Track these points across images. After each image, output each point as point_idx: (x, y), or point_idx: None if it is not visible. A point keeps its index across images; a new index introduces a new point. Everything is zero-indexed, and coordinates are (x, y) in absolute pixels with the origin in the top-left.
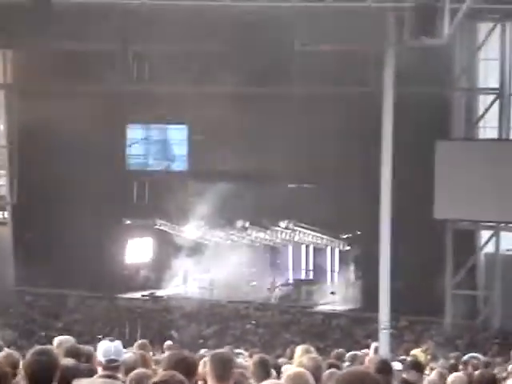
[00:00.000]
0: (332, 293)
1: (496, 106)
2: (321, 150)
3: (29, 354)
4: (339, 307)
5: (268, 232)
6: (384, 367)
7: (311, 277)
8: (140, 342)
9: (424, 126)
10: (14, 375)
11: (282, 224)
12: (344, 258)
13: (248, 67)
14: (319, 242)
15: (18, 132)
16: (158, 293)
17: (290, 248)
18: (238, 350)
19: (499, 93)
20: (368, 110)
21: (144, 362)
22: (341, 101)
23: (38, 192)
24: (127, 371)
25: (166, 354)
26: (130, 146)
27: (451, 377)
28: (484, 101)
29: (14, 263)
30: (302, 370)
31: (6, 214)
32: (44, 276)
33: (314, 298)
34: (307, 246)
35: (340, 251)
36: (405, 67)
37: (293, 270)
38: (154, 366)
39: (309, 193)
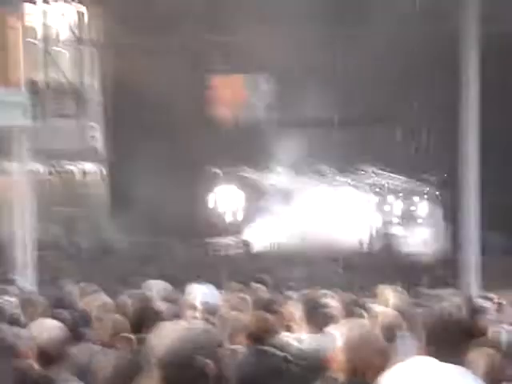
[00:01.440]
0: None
1: None
2: (402, 90)
3: (125, 299)
4: (428, 251)
5: (355, 177)
6: (473, 309)
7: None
8: (234, 284)
9: (508, 66)
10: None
11: (369, 169)
12: (432, 203)
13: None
14: (406, 186)
15: (110, 88)
16: (248, 239)
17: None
18: (326, 291)
19: None
20: (449, 48)
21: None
22: (420, 39)
23: (131, 146)
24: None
25: (252, 297)
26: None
27: None
28: None
29: (110, 215)
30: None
31: (100, 168)
32: (137, 226)
33: (403, 244)
34: (395, 191)
35: (428, 195)
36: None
37: (382, 215)
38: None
39: (391, 135)
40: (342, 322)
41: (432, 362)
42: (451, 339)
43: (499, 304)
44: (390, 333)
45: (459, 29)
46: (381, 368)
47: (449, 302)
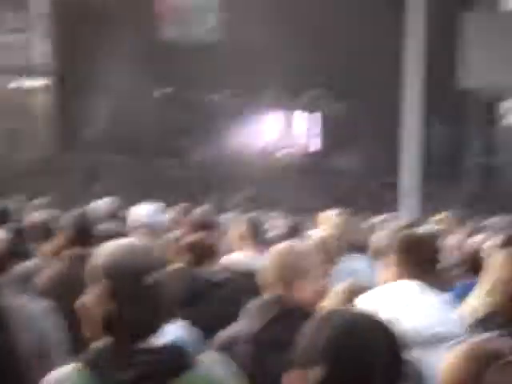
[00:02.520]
0: None
1: None
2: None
3: (67, 216)
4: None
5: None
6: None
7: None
8: (183, 205)
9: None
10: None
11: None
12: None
13: None
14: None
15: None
16: (195, 158)
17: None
18: (271, 213)
19: None
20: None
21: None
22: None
23: (79, 60)
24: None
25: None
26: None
27: (477, 237)
28: None
29: (56, 130)
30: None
31: (47, 81)
32: (83, 141)
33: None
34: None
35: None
36: None
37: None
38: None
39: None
40: (277, 245)
41: (418, 286)
42: (425, 260)
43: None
44: (327, 255)
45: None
46: (312, 289)
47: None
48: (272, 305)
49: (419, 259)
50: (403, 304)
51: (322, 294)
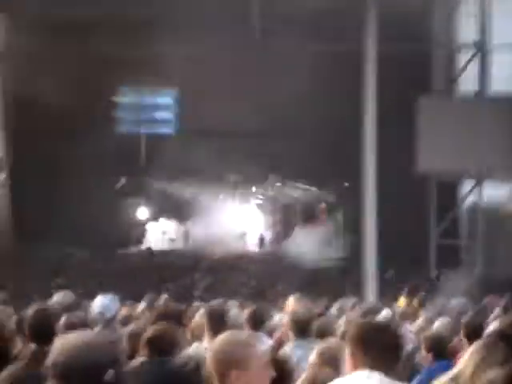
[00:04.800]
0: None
1: (475, 60)
2: (305, 106)
3: (29, 311)
4: (328, 259)
5: (258, 187)
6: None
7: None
8: (147, 296)
9: (405, 83)
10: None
11: (272, 179)
12: (331, 211)
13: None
14: (308, 195)
15: (11, 96)
16: (154, 248)
17: (279, 202)
18: (231, 302)
19: (478, 47)
20: (349, 66)
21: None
22: (321, 59)
23: (34, 154)
24: (124, 325)
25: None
26: (120, 110)
27: (437, 322)
28: (464, 57)
29: (12, 223)
30: None
31: (2, 175)
32: (42, 235)
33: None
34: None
35: (327, 203)
36: (385, 24)
37: (282, 224)
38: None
39: (295, 148)
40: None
41: (377, 377)
42: (385, 351)
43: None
44: (280, 343)
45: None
46: (257, 379)
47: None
48: None
49: (378, 349)
50: None
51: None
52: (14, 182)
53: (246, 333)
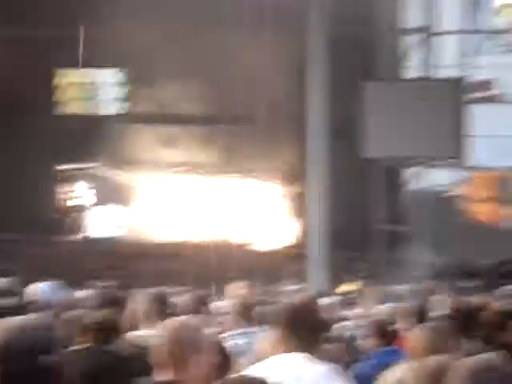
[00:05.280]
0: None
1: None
2: (253, 93)
3: None
4: (273, 245)
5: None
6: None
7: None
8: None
9: (350, 67)
10: None
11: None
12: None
13: None
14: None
15: None
16: (92, 235)
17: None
18: (172, 289)
19: (424, 32)
20: (294, 51)
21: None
22: (268, 44)
23: None
24: (61, 312)
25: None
26: (59, 92)
27: (376, 308)
28: (409, 40)
29: None
30: None
31: None
32: None
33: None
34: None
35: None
36: (330, 8)
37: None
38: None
39: (241, 135)
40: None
41: (299, 358)
42: (308, 331)
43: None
44: (224, 328)
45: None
46: (207, 363)
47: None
48: None
49: (301, 332)
50: (292, 375)
51: (216, 369)
52: None
53: (194, 318)
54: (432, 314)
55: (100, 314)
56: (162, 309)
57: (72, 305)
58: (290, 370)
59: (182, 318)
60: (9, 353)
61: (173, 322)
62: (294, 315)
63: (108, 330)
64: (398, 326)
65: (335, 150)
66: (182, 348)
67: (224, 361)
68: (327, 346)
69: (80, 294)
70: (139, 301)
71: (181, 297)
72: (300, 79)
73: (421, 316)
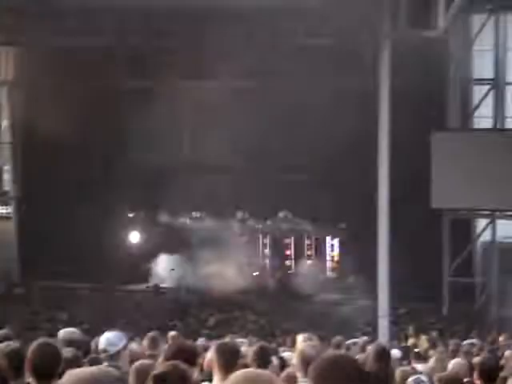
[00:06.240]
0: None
1: (490, 96)
2: (316, 142)
3: (32, 346)
4: (339, 296)
5: (267, 223)
6: (382, 354)
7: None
8: (150, 334)
9: (420, 118)
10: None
11: (281, 214)
12: (343, 248)
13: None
14: (318, 231)
15: (21, 128)
16: (161, 284)
17: (291, 238)
18: (240, 339)
19: (493, 83)
20: (363, 102)
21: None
22: (335, 93)
23: (41, 186)
24: (132, 361)
25: (167, 344)
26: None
27: (451, 363)
28: (479, 92)
29: (18, 257)
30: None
31: (10, 209)
32: (48, 269)
33: (313, 287)
34: (307, 237)
35: (339, 241)
36: (400, 59)
37: (294, 259)
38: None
39: (303, 184)
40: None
41: None
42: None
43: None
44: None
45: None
46: None
47: (360, 349)
48: None
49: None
50: None
51: None
52: (21, 215)
53: (261, 371)
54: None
55: (170, 365)
56: (233, 360)
57: (142, 355)
58: None
59: (249, 370)
60: None
61: (239, 375)
62: (330, 368)
63: (177, 382)
64: (475, 380)
65: (404, 201)
66: None
67: None
68: None
69: (148, 343)
70: (211, 352)
71: (249, 347)
72: (368, 130)
73: (491, 372)
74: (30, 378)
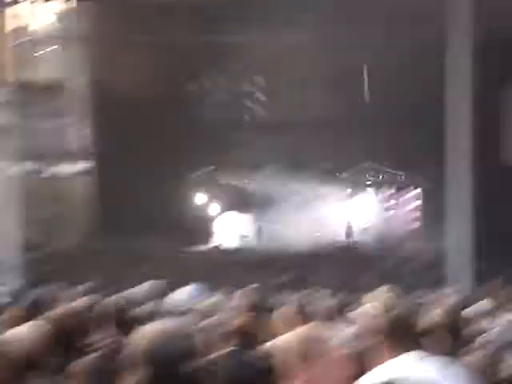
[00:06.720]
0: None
1: None
2: (396, 91)
3: (108, 301)
4: (415, 251)
5: (349, 176)
6: (456, 306)
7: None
8: (221, 291)
9: (494, 67)
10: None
11: (362, 165)
12: (427, 202)
13: None
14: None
15: (97, 84)
16: (227, 245)
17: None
18: (315, 294)
19: None
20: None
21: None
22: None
23: (117, 143)
24: (203, 318)
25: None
26: (203, 98)
27: None
28: None
29: (92, 214)
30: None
31: (85, 166)
32: (121, 226)
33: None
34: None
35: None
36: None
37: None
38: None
39: (383, 133)
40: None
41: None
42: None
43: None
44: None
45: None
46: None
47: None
48: None
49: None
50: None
51: (346, 380)
52: (96, 172)
53: (323, 327)
54: None
55: (244, 319)
56: (302, 316)
57: (212, 311)
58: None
59: (310, 326)
60: (154, 358)
61: (299, 331)
62: (400, 321)
63: (251, 335)
64: None
65: (477, 153)
66: (305, 358)
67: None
68: (470, 358)
69: (218, 299)
70: (282, 307)
71: (322, 302)
72: (439, 80)
73: None
74: (107, 331)
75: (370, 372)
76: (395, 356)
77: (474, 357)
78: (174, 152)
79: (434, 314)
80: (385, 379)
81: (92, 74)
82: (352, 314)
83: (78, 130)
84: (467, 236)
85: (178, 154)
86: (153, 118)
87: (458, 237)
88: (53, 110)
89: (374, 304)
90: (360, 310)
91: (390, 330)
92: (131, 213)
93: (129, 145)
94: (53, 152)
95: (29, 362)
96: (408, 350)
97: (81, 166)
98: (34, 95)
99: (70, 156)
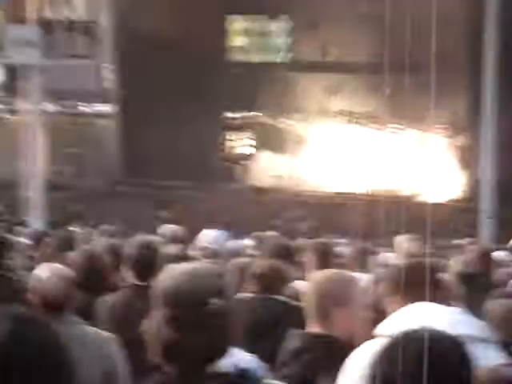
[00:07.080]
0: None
1: None
2: (421, 40)
3: (132, 242)
4: (441, 198)
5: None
6: (485, 254)
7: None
8: (254, 235)
9: None
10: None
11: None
12: (445, 149)
13: None
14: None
15: (122, 25)
16: (257, 184)
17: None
18: (339, 240)
19: None
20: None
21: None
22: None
23: (143, 85)
24: (233, 258)
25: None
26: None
27: None
28: None
29: (120, 155)
30: None
31: (112, 107)
32: (149, 167)
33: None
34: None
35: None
36: None
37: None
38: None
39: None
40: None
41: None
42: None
43: None
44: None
45: None
46: (352, 318)
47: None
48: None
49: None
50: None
51: (362, 325)
52: (123, 113)
53: (346, 271)
54: None
55: (268, 263)
56: (326, 260)
57: (240, 253)
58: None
59: (333, 270)
60: (178, 297)
61: (321, 274)
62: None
63: (276, 280)
64: None
65: (507, 100)
66: (325, 301)
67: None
68: (496, 303)
69: (247, 242)
70: (307, 252)
71: (347, 248)
72: (472, 29)
73: None
74: (128, 273)
75: (385, 320)
76: (411, 304)
77: (498, 304)
78: (201, 94)
79: (456, 261)
80: (399, 329)
81: (115, 15)
82: (373, 261)
83: (103, 72)
84: (495, 185)
85: (206, 96)
86: (181, 60)
87: (487, 185)
88: (79, 50)
89: (395, 252)
90: (380, 257)
91: (406, 278)
92: (157, 155)
93: (157, 86)
94: (78, 93)
95: (58, 300)
96: (423, 299)
97: (107, 108)
98: (59, 35)
99: (95, 97)
